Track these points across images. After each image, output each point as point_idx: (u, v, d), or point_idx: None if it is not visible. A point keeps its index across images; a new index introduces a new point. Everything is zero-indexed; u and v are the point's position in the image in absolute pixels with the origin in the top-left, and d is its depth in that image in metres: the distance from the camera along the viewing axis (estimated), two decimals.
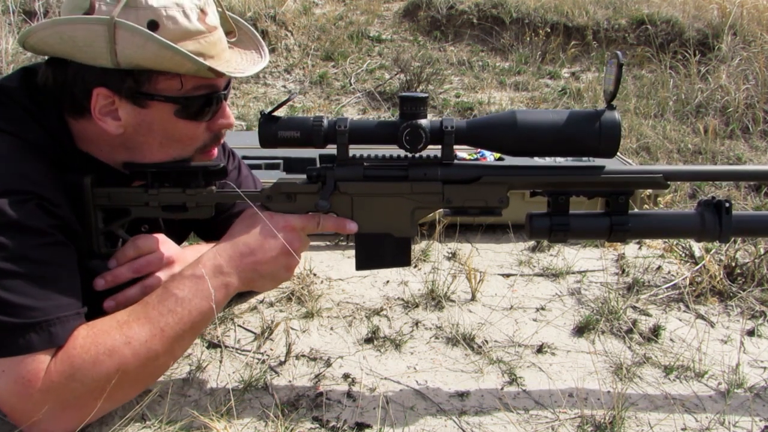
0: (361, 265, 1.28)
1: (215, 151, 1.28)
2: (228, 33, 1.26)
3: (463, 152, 2.21)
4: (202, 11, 1.11)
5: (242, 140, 2.55)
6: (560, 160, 1.92)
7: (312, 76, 4.39)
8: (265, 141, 1.19)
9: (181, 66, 1.08)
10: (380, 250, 1.26)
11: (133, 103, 1.12)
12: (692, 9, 4.91)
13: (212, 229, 1.49)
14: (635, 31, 4.82)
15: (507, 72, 4.59)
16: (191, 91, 1.14)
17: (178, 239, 1.58)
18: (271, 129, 1.18)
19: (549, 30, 4.83)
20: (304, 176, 1.24)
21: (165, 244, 1.29)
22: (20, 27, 4.18)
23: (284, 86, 4.32)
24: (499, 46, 4.89)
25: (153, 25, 1.06)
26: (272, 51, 4.57)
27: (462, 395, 1.31)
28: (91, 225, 1.20)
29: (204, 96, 1.16)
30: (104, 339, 1.06)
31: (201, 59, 1.09)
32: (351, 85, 4.31)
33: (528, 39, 4.82)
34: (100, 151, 1.20)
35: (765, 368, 1.44)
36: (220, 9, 1.22)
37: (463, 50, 4.86)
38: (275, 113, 1.19)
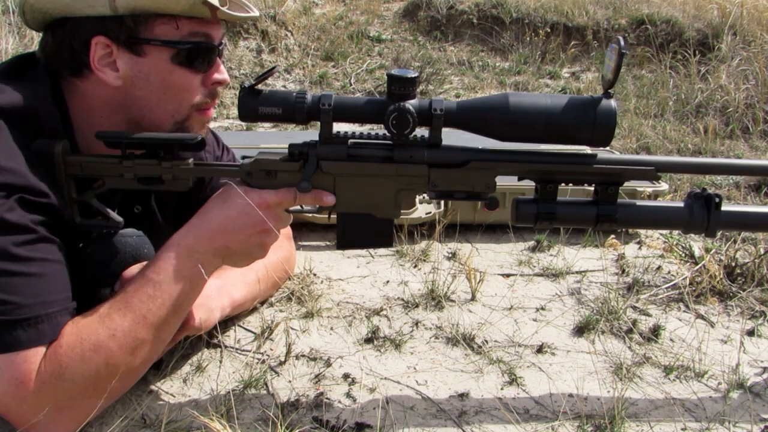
0: (342, 244, 1.25)
1: (211, 111, 1.27)
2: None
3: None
4: None
5: (242, 140, 2.56)
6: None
7: (312, 76, 4.39)
8: (245, 116, 1.15)
9: (177, 3, 1.10)
10: (362, 230, 1.23)
11: (130, 51, 1.14)
12: (692, 9, 4.91)
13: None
14: (635, 31, 4.82)
15: (507, 72, 4.59)
16: (187, 37, 1.16)
17: (175, 226, 1.58)
18: (251, 103, 1.13)
19: (549, 30, 4.84)
20: (286, 151, 1.20)
21: None
22: (20, 27, 4.18)
23: (284, 86, 4.32)
24: (499, 46, 4.89)
25: None
26: (272, 51, 4.58)
27: (462, 395, 1.31)
28: (63, 194, 1.15)
29: (199, 42, 1.17)
30: (88, 335, 1.05)
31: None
32: (351, 85, 4.31)
33: (528, 39, 4.82)
34: (99, 120, 1.20)
35: (765, 368, 1.44)
36: None
37: (463, 50, 4.86)
38: (257, 87, 1.14)
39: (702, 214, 1.21)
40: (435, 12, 5.07)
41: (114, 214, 1.21)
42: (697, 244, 2.04)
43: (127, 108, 1.20)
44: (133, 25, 1.12)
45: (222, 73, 1.25)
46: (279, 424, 1.16)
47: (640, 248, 2.07)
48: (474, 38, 4.96)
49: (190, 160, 1.20)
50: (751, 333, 1.58)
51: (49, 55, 1.17)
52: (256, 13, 1.28)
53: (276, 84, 4.33)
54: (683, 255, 1.94)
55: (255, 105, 1.14)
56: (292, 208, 1.22)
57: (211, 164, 1.22)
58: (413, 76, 1.13)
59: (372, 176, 1.19)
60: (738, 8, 4.65)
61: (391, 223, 1.24)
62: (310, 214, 1.35)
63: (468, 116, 1.15)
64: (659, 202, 1.35)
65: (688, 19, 4.78)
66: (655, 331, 1.55)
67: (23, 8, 1.14)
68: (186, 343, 1.38)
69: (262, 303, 1.64)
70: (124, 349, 1.07)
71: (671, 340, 1.54)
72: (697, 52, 4.38)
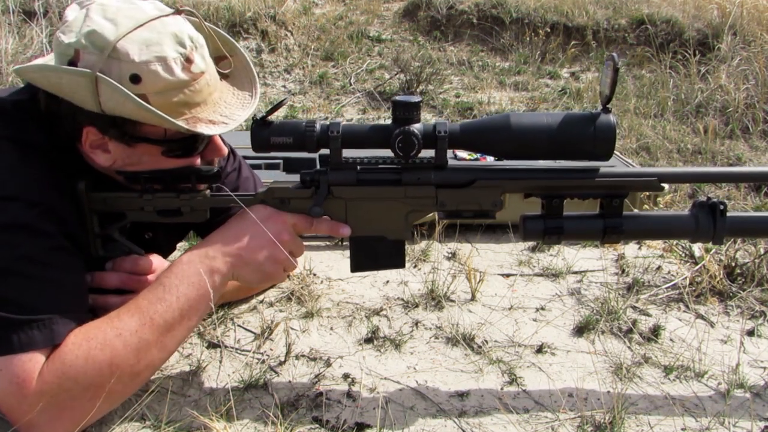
0: (356, 267, 1.29)
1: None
2: (222, 59, 1.26)
3: (463, 152, 2.21)
4: (188, 60, 1.10)
5: (242, 140, 2.55)
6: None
7: (312, 76, 4.39)
8: (258, 146, 1.18)
9: (160, 124, 1.09)
10: (374, 253, 1.27)
11: (121, 141, 1.14)
12: (692, 9, 4.91)
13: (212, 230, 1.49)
14: (635, 31, 4.82)
15: (507, 72, 4.59)
16: (177, 135, 1.15)
17: (178, 237, 1.59)
18: (263, 134, 1.17)
19: (549, 30, 4.83)
20: (298, 180, 1.24)
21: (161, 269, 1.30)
22: (20, 27, 4.18)
23: (284, 86, 4.33)
24: (499, 46, 4.89)
25: (135, 79, 1.06)
26: (272, 51, 4.58)
27: (462, 395, 1.31)
28: (87, 229, 1.21)
29: (191, 137, 1.17)
30: (95, 333, 1.06)
31: (185, 110, 1.11)
32: (351, 85, 4.31)
33: (528, 39, 4.82)
34: (99, 166, 1.22)
35: (765, 368, 1.44)
36: (207, 28, 1.22)
37: (463, 50, 4.86)
38: (268, 118, 1.18)
39: (708, 223, 1.22)
40: (435, 12, 5.07)
41: (136, 247, 1.27)
42: (697, 244, 2.04)
43: (120, 170, 1.20)
44: (122, 124, 1.11)
45: (218, 150, 1.25)
46: (279, 424, 1.16)
47: (639, 248, 2.07)
48: (474, 38, 4.95)
49: (207, 191, 1.24)
50: (751, 333, 1.58)
51: (44, 114, 1.15)
52: (254, 102, 1.25)
53: (276, 84, 4.34)
54: (683, 255, 1.94)
55: (267, 136, 1.17)
56: (306, 234, 1.26)
57: (227, 194, 1.24)
58: (417, 101, 1.17)
59: (382, 199, 1.23)
60: (738, 8, 4.65)
61: (403, 244, 1.28)
62: None
63: (472, 137, 1.18)
64: (665, 213, 1.36)
65: (688, 19, 4.77)
66: (655, 331, 1.55)
67: (17, 74, 1.11)
68: (186, 343, 1.38)
69: (261, 301, 1.64)
70: (129, 349, 1.07)
71: (671, 340, 1.54)
72: (697, 52, 4.38)
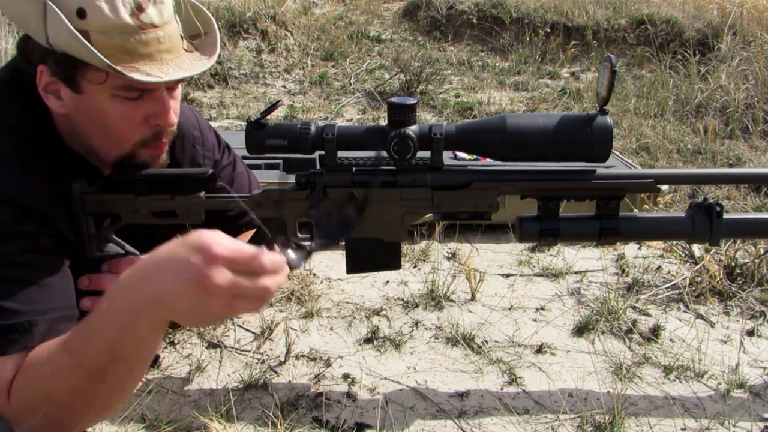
0: (352, 269, 1.28)
1: (163, 148, 1.22)
2: (196, 36, 1.22)
3: (463, 152, 2.21)
4: (139, 7, 1.06)
5: (242, 140, 2.55)
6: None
7: (312, 76, 4.39)
8: (253, 148, 1.18)
9: (90, 59, 1.04)
10: (370, 255, 1.26)
11: (68, 86, 1.10)
12: (692, 9, 4.91)
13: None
14: (635, 31, 4.82)
15: (507, 72, 4.59)
16: (118, 81, 1.08)
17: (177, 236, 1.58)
18: (258, 136, 1.17)
19: (549, 30, 4.83)
20: (294, 182, 1.23)
21: None
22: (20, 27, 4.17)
23: (284, 86, 4.32)
24: (499, 46, 4.89)
25: (81, 13, 1.03)
26: (272, 51, 4.58)
27: (462, 395, 1.31)
28: (82, 231, 1.19)
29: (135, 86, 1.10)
30: (36, 367, 0.97)
31: (127, 58, 1.06)
32: (351, 85, 4.31)
33: (528, 39, 4.82)
34: (68, 139, 1.18)
35: (765, 368, 1.44)
36: (182, 4, 1.18)
37: (462, 50, 4.86)
38: (263, 120, 1.17)
39: (704, 224, 1.22)
40: (435, 12, 5.07)
41: (130, 248, 1.24)
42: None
43: (78, 134, 1.17)
44: (66, 65, 1.07)
45: (165, 114, 1.16)
46: (279, 424, 1.16)
47: (639, 248, 2.07)
48: (474, 38, 4.95)
49: (202, 194, 1.23)
50: (751, 333, 1.58)
51: (21, 67, 1.13)
52: (202, 64, 1.18)
53: (276, 84, 4.34)
54: (683, 255, 1.94)
55: (261, 138, 1.17)
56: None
57: (222, 196, 1.24)
58: (412, 102, 1.16)
59: (377, 201, 1.22)
60: (738, 8, 4.65)
61: (399, 246, 1.27)
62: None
63: (468, 139, 1.18)
64: (661, 214, 1.35)
65: (688, 19, 4.77)
66: (655, 331, 1.55)
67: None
68: (185, 343, 1.38)
69: None
70: (64, 389, 0.96)
71: (671, 340, 1.54)
72: (697, 52, 4.38)
